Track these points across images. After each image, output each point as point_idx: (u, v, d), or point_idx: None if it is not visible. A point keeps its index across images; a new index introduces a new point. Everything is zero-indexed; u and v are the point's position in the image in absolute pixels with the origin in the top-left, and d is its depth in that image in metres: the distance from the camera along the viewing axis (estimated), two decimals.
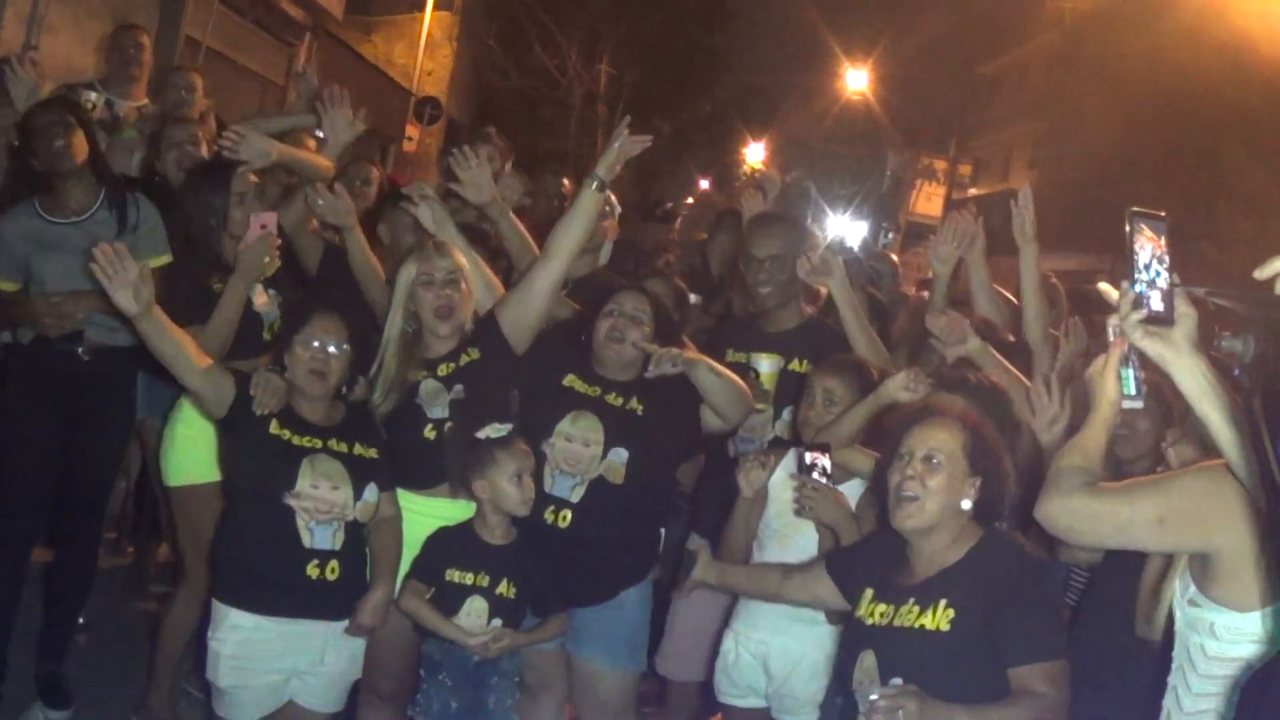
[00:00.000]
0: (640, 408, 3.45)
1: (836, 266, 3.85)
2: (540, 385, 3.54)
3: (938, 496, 2.57)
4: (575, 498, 3.39)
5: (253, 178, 3.89)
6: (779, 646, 3.32)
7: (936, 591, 2.53)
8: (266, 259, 3.69)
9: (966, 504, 2.58)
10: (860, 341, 3.79)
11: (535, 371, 3.54)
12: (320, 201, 3.84)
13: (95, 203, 3.93)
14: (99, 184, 3.96)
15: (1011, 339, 3.95)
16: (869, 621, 2.64)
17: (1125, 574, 2.74)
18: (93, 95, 5.12)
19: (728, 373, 3.47)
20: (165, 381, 4.07)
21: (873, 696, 2.36)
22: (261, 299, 3.79)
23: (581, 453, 3.39)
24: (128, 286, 2.97)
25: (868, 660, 2.58)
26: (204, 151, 4.41)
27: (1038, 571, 2.57)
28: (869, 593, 2.70)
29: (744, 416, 3.57)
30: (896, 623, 2.56)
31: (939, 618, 2.49)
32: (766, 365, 3.83)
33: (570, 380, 3.50)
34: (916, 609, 2.54)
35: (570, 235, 3.49)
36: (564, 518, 3.39)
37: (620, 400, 3.46)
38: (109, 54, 5.42)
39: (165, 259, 3.99)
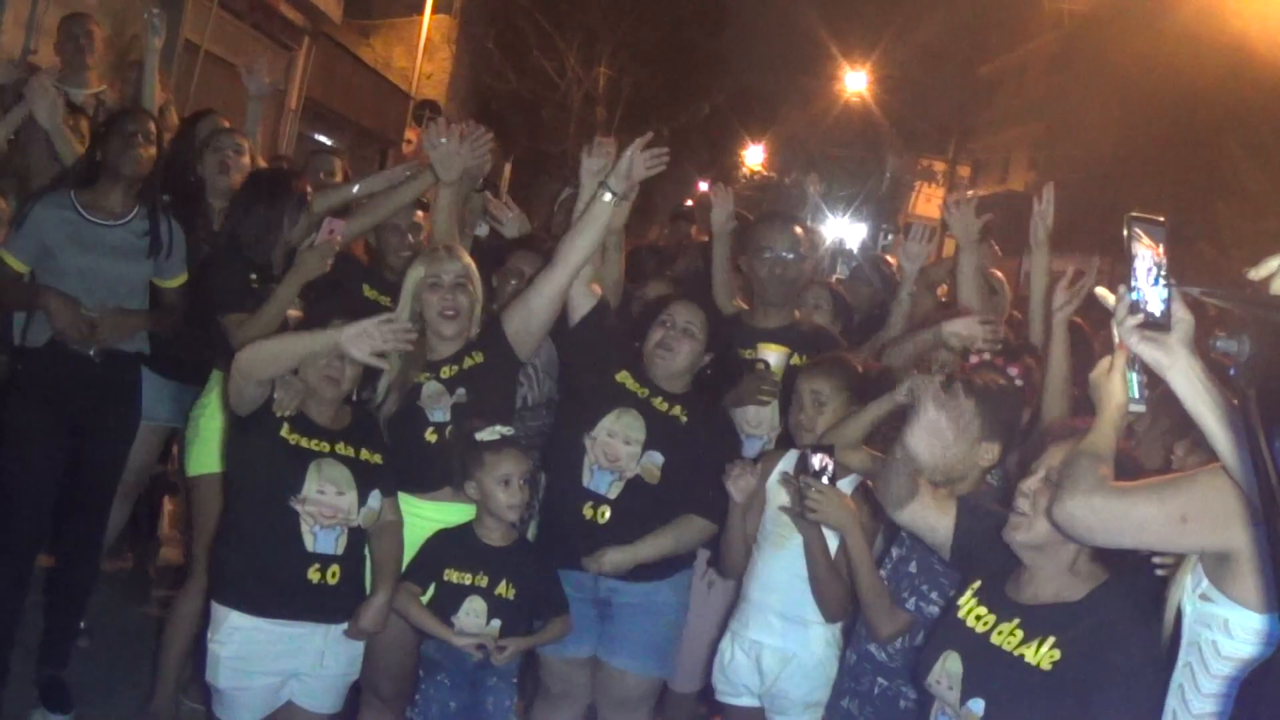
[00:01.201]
0: (685, 417, 3.48)
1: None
2: (590, 378, 3.55)
3: (1046, 519, 2.40)
4: (613, 494, 3.41)
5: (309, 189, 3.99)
6: (771, 647, 3.33)
7: (1047, 624, 2.39)
8: (327, 262, 3.72)
9: None
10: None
11: (587, 363, 3.56)
12: (443, 140, 3.81)
13: (131, 212, 3.98)
14: (140, 196, 4.00)
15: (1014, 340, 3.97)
16: (964, 619, 2.54)
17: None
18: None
19: (668, 541, 3.46)
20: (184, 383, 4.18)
21: None
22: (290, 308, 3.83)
23: (621, 449, 3.41)
24: (371, 341, 3.00)
25: (952, 663, 2.49)
26: (246, 159, 4.44)
27: (1153, 635, 2.36)
28: (976, 584, 2.60)
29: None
30: (995, 639, 2.44)
31: (1042, 655, 2.36)
32: (774, 358, 3.85)
33: (623, 377, 3.52)
34: (1020, 634, 2.41)
35: (580, 245, 3.43)
36: (602, 514, 3.42)
37: (666, 405, 3.48)
38: (60, 44, 5.40)
39: (183, 279, 4.08)
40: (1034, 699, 2.35)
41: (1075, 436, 2.43)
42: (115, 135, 3.95)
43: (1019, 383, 3.29)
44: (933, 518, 2.79)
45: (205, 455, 3.80)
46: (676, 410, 3.49)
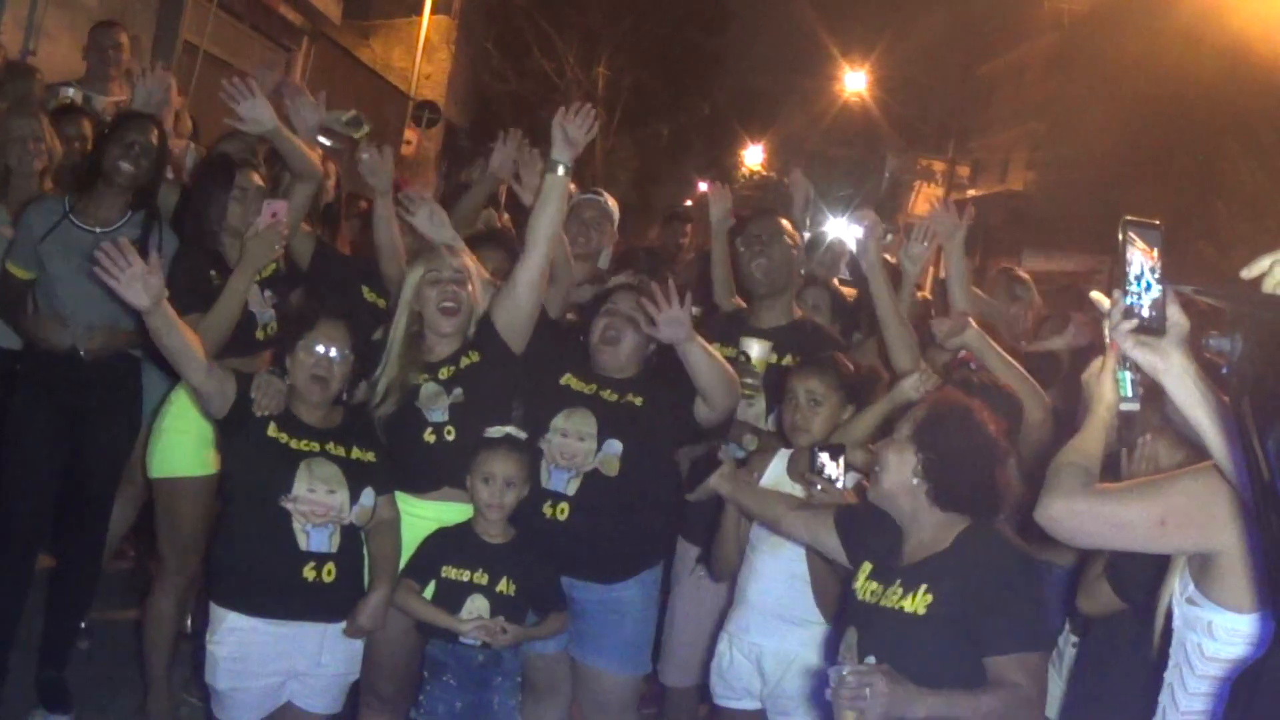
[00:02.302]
0: (639, 400, 3.49)
1: (873, 249, 3.87)
2: (538, 384, 3.57)
3: (886, 472, 2.65)
4: (570, 490, 3.42)
5: (256, 177, 3.92)
6: (772, 648, 3.33)
7: (921, 576, 2.56)
8: (276, 247, 3.71)
9: (915, 480, 2.60)
10: (892, 329, 3.78)
11: (534, 371, 3.56)
12: (365, 156, 3.82)
13: (121, 218, 3.95)
14: (134, 204, 3.97)
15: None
16: (860, 597, 2.68)
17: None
18: (70, 92, 5.13)
19: (718, 356, 3.47)
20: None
21: (844, 671, 2.38)
22: (256, 300, 3.80)
23: (576, 447, 3.42)
24: (136, 281, 2.95)
25: (851, 636, 2.62)
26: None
27: (1021, 563, 2.58)
28: (868, 567, 2.73)
29: (732, 405, 3.56)
30: (882, 603, 2.60)
31: (917, 602, 2.52)
32: (756, 350, 3.84)
33: (567, 379, 3.54)
34: (901, 590, 2.57)
35: (542, 224, 3.47)
36: (561, 511, 3.42)
37: (615, 396, 3.49)
38: (88, 51, 5.41)
39: None
40: (913, 642, 2.49)
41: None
42: (114, 143, 3.92)
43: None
44: (822, 539, 2.96)
45: (168, 458, 3.78)
46: (630, 397, 3.49)
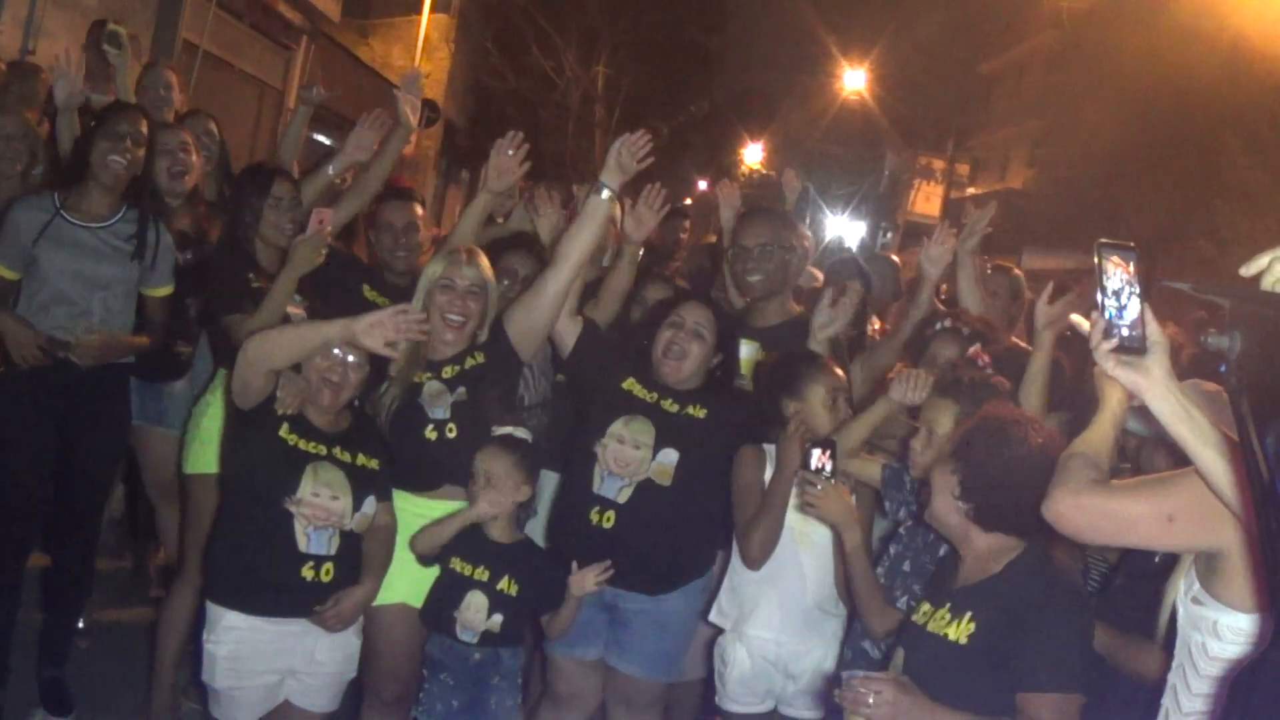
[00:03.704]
0: (702, 412, 3.45)
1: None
2: (600, 386, 3.54)
3: (935, 494, 2.58)
4: (622, 499, 3.39)
5: (290, 186, 3.97)
6: (792, 649, 3.33)
7: (969, 602, 2.49)
8: (322, 252, 3.71)
9: (959, 501, 2.54)
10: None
11: (597, 372, 3.55)
12: (511, 152, 3.80)
13: (115, 215, 3.89)
14: (126, 199, 3.91)
15: (1017, 343, 4.00)
16: (913, 618, 2.64)
17: (1139, 570, 2.79)
18: None
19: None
20: (160, 384, 4.16)
21: (855, 676, 2.37)
22: (290, 305, 3.81)
23: (631, 455, 3.40)
24: (395, 341, 3.03)
25: (898, 658, 2.59)
26: (194, 156, 4.36)
27: (1070, 599, 2.49)
28: (924, 603, 2.68)
29: None
30: (930, 626, 2.54)
31: (961, 630, 2.45)
32: (745, 350, 3.83)
33: (630, 384, 3.51)
34: (948, 615, 2.50)
35: (579, 243, 3.45)
36: (608, 519, 3.39)
37: (676, 407, 3.46)
38: (88, 49, 5.38)
39: (169, 289, 4.02)
40: (951, 669, 2.43)
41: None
42: (104, 136, 3.82)
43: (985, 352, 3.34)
44: None
45: (204, 455, 3.78)
46: (691, 409, 3.46)
